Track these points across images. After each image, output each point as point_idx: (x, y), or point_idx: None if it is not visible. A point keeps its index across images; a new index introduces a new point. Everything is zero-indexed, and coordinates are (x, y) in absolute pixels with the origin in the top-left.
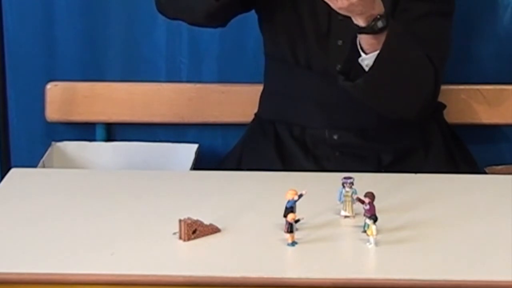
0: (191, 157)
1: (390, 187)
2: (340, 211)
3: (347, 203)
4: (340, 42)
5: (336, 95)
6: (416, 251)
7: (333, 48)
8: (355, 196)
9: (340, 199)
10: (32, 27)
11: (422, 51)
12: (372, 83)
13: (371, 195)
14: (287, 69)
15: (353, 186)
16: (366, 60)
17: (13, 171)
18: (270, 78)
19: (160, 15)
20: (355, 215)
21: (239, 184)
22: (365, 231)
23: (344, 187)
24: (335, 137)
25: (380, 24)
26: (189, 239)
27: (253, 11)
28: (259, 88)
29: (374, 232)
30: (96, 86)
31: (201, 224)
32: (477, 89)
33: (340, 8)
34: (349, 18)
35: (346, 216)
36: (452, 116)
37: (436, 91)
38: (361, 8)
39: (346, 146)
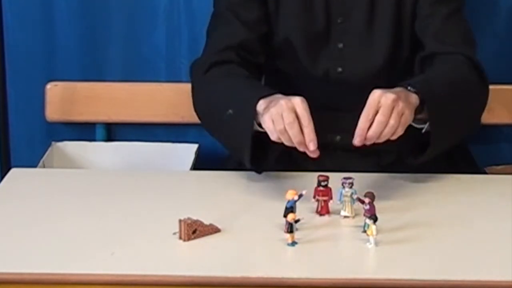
0: (191, 157)
1: (390, 187)
2: (340, 211)
3: (347, 203)
4: (340, 45)
5: (337, 97)
6: (416, 251)
7: (334, 51)
8: (355, 196)
9: (340, 199)
10: (32, 27)
11: (458, 74)
12: (439, 142)
13: (371, 195)
14: (287, 77)
15: (353, 186)
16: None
17: (13, 171)
18: (271, 86)
19: (160, 15)
20: (355, 215)
21: (239, 184)
22: (365, 231)
23: (344, 187)
24: (337, 138)
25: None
26: (189, 239)
27: None
28: None
29: (374, 232)
30: (96, 86)
31: (201, 224)
32: None
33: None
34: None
35: (345, 216)
36: None
37: (488, 86)
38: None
39: (348, 146)
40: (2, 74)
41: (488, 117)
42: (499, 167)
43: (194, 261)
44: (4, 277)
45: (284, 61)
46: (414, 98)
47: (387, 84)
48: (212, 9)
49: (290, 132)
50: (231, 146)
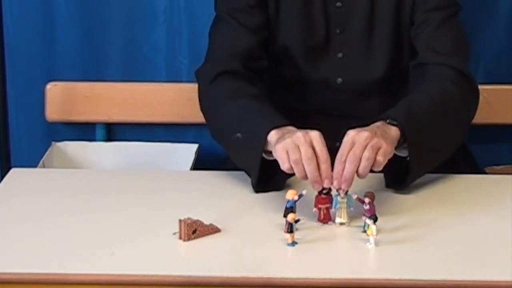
0: (191, 157)
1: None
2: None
3: (342, 209)
4: (340, 55)
5: (338, 104)
6: (416, 251)
7: (333, 61)
8: (354, 197)
9: (335, 207)
10: (32, 27)
11: (442, 95)
12: (421, 170)
13: (371, 195)
14: (287, 82)
15: (347, 193)
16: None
17: (13, 171)
18: (271, 93)
19: (160, 15)
20: (350, 221)
21: (239, 184)
22: (365, 231)
23: (338, 194)
24: (337, 144)
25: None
26: (189, 239)
27: None
28: None
29: (374, 232)
30: (96, 86)
31: (201, 224)
32: None
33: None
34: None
35: (341, 223)
36: None
37: (477, 95)
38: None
39: None
40: (2, 74)
41: (488, 117)
42: (499, 167)
43: (194, 261)
44: (4, 277)
45: (283, 67)
46: (394, 131)
47: (387, 93)
48: (212, 10)
49: (308, 168)
50: (238, 163)
